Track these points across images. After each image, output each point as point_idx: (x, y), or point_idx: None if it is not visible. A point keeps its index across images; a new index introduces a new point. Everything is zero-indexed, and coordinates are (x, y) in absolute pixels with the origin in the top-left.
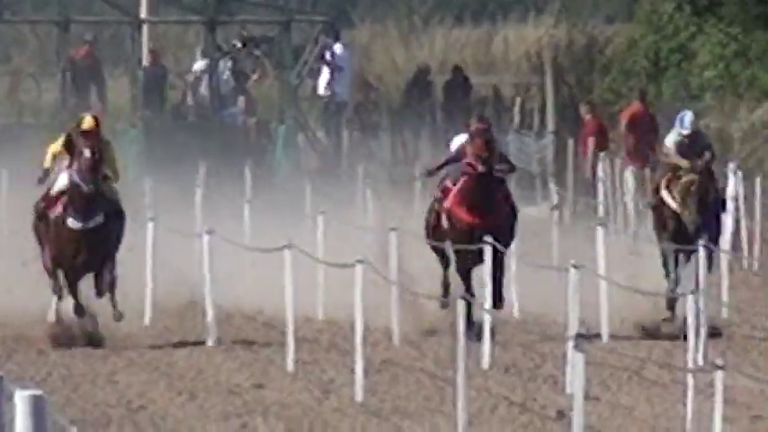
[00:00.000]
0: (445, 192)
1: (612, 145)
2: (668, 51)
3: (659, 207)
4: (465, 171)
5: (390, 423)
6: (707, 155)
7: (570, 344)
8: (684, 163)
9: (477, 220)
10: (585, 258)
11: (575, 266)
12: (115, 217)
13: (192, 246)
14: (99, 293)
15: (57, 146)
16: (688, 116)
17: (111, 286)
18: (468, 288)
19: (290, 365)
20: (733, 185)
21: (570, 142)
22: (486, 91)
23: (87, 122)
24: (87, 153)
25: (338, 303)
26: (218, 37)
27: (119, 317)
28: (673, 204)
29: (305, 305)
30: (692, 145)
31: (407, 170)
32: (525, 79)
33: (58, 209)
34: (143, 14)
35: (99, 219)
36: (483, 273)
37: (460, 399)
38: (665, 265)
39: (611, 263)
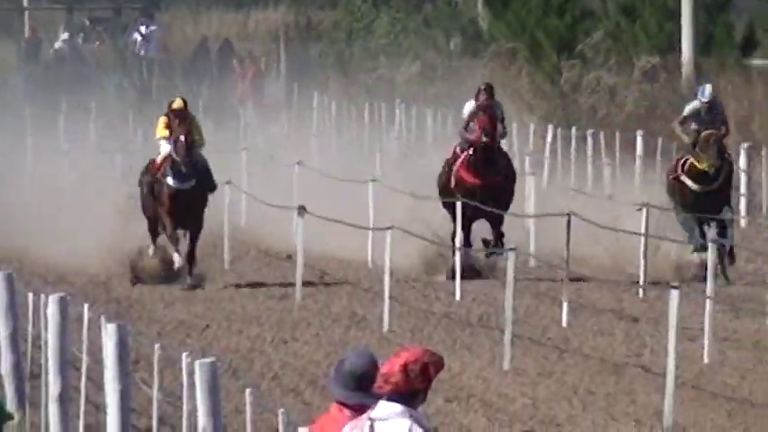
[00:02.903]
0: (454, 156)
1: None
2: (357, 28)
3: (680, 185)
4: (471, 141)
5: None
6: (723, 128)
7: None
8: (685, 138)
9: (479, 181)
10: None
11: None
12: (204, 182)
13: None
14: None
15: (161, 125)
16: (708, 88)
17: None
18: (468, 238)
19: None
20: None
21: (296, 85)
22: (244, 53)
23: (177, 103)
24: (182, 138)
25: None
26: (74, 18)
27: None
28: (693, 186)
29: None
30: (709, 113)
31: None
32: (268, 46)
33: (161, 172)
34: (25, 3)
35: (192, 182)
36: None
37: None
38: (691, 233)
39: None
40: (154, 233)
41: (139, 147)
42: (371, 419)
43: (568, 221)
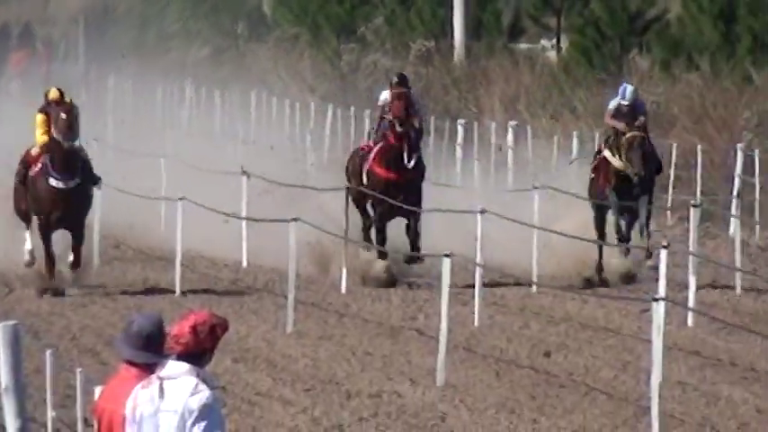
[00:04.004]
0: (366, 149)
1: None
2: (151, 13)
3: (602, 166)
4: (384, 132)
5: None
6: (641, 118)
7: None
8: (621, 125)
9: (393, 175)
10: None
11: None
12: (87, 179)
13: None
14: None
15: (39, 119)
16: (629, 89)
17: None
18: (383, 240)
19: None
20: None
21: (93, 66)
22: (46, 33)
23: (53, 93)
24: (63, 115)
25: None
26: None
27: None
28: (616, 162)
29: None
30: (631, 112)
31: None
32: (67, 29)
33: (37, 168)
34: None
35: (77, 180)
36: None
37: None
38: (599, 219)
39: None
40: (26, 221)
41: None
42: (161, 378)
43: (347, 193)
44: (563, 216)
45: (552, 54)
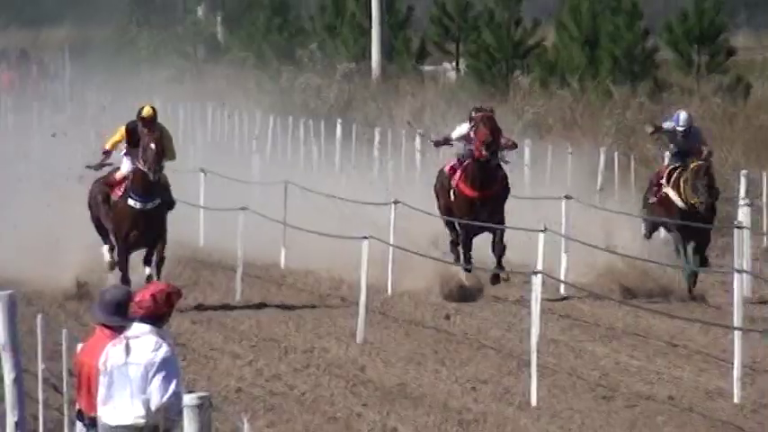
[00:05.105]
0: (452, 170)
1: None
2: (124, 42)
3: (665, 203)
4: (470, 156)
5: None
6: (706, 150)
7: None
8: (657, 133)
9: (478, 193)
10: None
11: None
12: (165, 202)
13: None
14: (147, 263)
15: (118, 135)
16: (683, 115)
17: (160, 262)
18: (468, 256)
19: None
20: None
21: (77, 86)
22: (38, 57)
23: (146, 111)
24: (153, 146)
25: None
26: None
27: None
28: (679, 202)
29: None
30: (687, 139)
31: None
32: (55, 54)
33: (120, 191)
34: None
35: (156, 201)
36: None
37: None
38: (677, 250)
39: None
40: (104, 236)
41: None
42: (127, 337)
43: (285, 188)
44: None
45: (452, 74)
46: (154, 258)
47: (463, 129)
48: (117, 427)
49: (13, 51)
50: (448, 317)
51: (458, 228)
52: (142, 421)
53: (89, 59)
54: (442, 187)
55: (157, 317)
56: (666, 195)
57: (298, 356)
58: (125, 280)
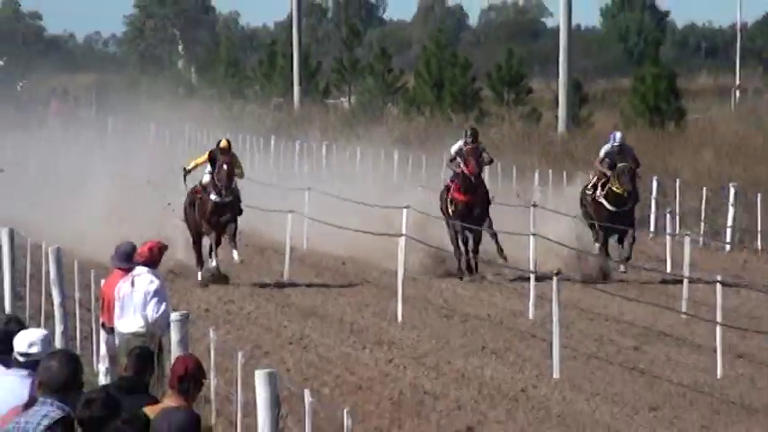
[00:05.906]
0: (447, 188)
1: None
2: (131, 86)
3: (595, 204)
4: (459, 174)
5: None
6: (633, 164)
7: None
8: (607, 171)
9: (469, 197)
10: None
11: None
12: (237, 200)
13: None
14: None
15: (201, 158)
16: (618, 134)
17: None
18: (475, 246)
19: None
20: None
21: (101, 113)
22: (74, 93)
23: (223, 143)
24: (225, 167)
25: None
26: None
27: (240, 261)
28: (608, 206)
29: None
30: (620, 152)
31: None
32: (85, 91)
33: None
34: None
35: (230, 197)
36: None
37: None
38: (598, 241)
39: None
40: (198, 249)
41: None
42: (133, 275)
43: (307, 193)
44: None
45: (346, 105)
46: (225, 239)
47: (457, 145)
48: (127, 333)
49: (58, 89)
50: (344, 262)
51: (458, 236)
52: (143, 330)
53: (108, 95)
54: (444, 204)
55: (153, 262)
56: (600, 203)
57: (246, 288)
58: (200, 261)
